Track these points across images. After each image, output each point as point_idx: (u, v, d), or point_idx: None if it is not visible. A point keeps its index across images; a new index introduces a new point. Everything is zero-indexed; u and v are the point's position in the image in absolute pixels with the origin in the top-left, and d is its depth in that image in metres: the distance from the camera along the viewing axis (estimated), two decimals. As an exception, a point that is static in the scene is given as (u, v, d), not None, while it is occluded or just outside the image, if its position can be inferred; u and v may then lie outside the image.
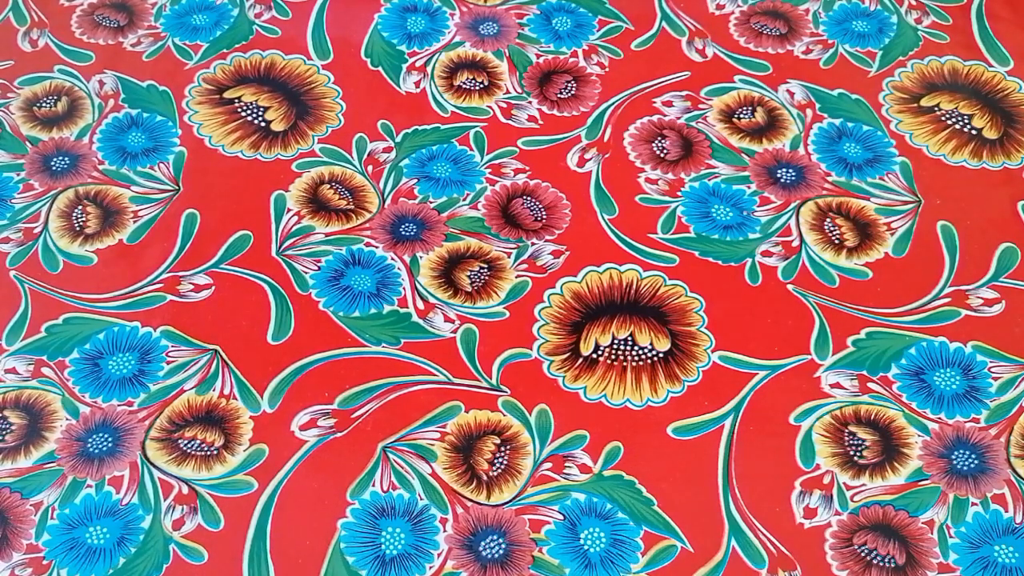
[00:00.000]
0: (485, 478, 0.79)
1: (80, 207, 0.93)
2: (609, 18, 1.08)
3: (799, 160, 0.97)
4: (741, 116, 1.00)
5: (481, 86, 1.02)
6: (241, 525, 0.76)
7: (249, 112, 1.00)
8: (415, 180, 0.95)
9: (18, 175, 0.95)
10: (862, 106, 1.01)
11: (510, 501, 0.78)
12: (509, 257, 0.90)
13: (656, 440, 0.81)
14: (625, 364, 0.84)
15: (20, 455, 0.79)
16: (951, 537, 0.76)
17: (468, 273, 0.89)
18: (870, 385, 0.83)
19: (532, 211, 0.93)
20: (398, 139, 0.98)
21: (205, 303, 0.87)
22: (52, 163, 0.96)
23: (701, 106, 1.01)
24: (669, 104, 1.01)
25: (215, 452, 0.79)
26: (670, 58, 1.04)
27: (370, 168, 0.96)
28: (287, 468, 0.79)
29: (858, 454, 0.80)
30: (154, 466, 0.79)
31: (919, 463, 0.80)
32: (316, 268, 0.89)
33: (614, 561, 0.75)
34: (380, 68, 1.04)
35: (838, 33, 1.07)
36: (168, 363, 0.84)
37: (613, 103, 1.01)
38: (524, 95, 1.02)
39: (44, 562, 0.75)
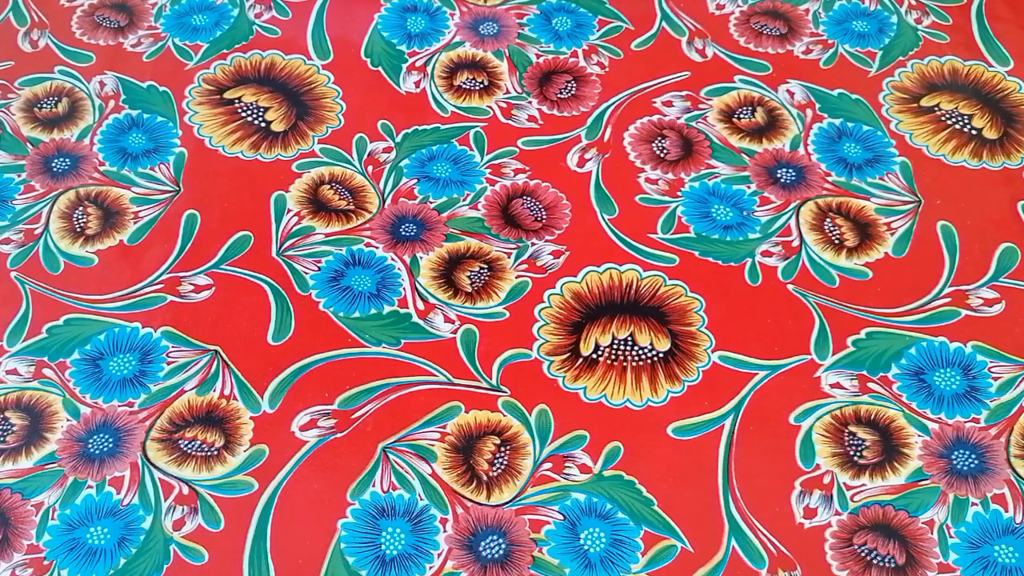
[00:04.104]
0: (485, 478, 0.79)
1: (81, 208, 0.93)
2: (609, 18, 1.08)
3: (799, 160, 0.97)
4: (741, 116, 1.00)
5: (481, 86, 1.02)
6: (241, 525, 0.76)
7: (249, 112, 1.00)
8: (415, 180, 0.95)
9: (19, 176, 0.95)
10: (862, 106, 1.01)
11: (510, 501, 0.78)
12: (509, 257, 0.90)
13: (656, 440, 0.81)
14: (625, 364, 0.84)
15: (21, 456, 0.79)
16: (951, 537, 0.76)
17: (468, 273, 0.89)
18: (870, 385, 0.83)
19: (532, 211, 0.93)
20: (398, 139, 0.98)
21: (205, 304, 0.87)
22: (53, 164, 0.96)
23: (701, 106, 1.01)
24: (669, 104, 1.01)
25: (215, 452, 0.80)
26: (670, 58, 1.04)
27: (370, 168, 0.96)
28: (287, 468, 0.79)
29: (858, 454, 0.80)
30: (155, 467, 0.79)
31: (919, 463, 0.80)
32: (316, 268, 0.89)
33: (614, 561, 0.75)
34: (380, 68, 1.04)
35: (838, 33, 1.07)
36: (168, 364, 0.84)
37: (613, 103, 1.01)
38: (524, 95, 1.02)
39: (45, 562, 0.75)
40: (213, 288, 0.88)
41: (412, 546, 0.76)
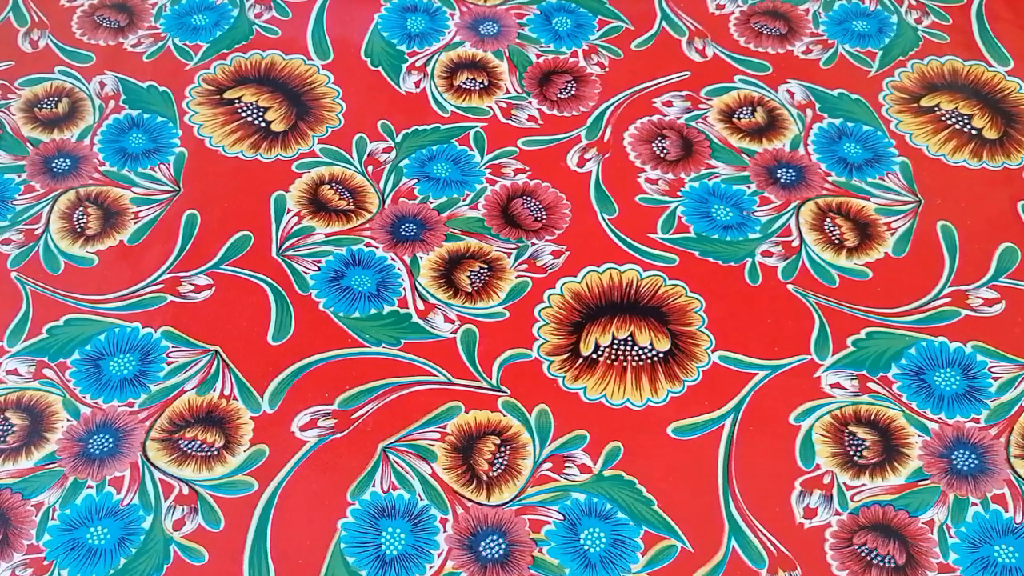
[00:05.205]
0: (485, 478, 0.79)
1: (81, 208, 0.93)
2: (609, 18, 1.08)
3: (799, 160, 0.97)
4: (741, 116, 1.00)
5: (481, 86, 1.02)
6: (241, 525, 0.76)
7: (249, 112, 1.00)
8: (415, 180, 0.95)
9: (19, 176, 0.95)
10: (862, 106, 1.01)
11: (510, 501, 0.78)
12: (509, 257, 0.90)
13: (656, 440, 0.81)
14: (625, 364, 0.84)
15: (21, 456, 0.79)
16: (951, 537, 0.76)
17: (468, 273, 0.89)
18: (870, 385, 0.83)
19: (532, 211, 0.93)
20: (398, 139, 0.98)
21: (205, 304, 0.87)
22: (53, 165, 0.96)
23: (701, 106, 1.01)
24: (669, 104, 1.01)
25: (215, 452, 0.80)
26: (670, 58, 1.05)
27: (370, 168, 0.96)
28: (287, 468, 0.79)
29: (858, 454, 0.80)
30: (155, 467, 0.79)
31: (919, 463, 0.80)
32: (316, 268, 0.89)
33: (614, 561, 0.75)
34: (380, 68, 1.04)
35: (838, 33, 1.07)
36: (169, 364, 0.84)
37: (613, 103, 1.01)
38: (524, 95, 1.02)
39: (45, 563, 0.75)
40: (213, 288, 0.88)
41: (412, 546, 0.76)
